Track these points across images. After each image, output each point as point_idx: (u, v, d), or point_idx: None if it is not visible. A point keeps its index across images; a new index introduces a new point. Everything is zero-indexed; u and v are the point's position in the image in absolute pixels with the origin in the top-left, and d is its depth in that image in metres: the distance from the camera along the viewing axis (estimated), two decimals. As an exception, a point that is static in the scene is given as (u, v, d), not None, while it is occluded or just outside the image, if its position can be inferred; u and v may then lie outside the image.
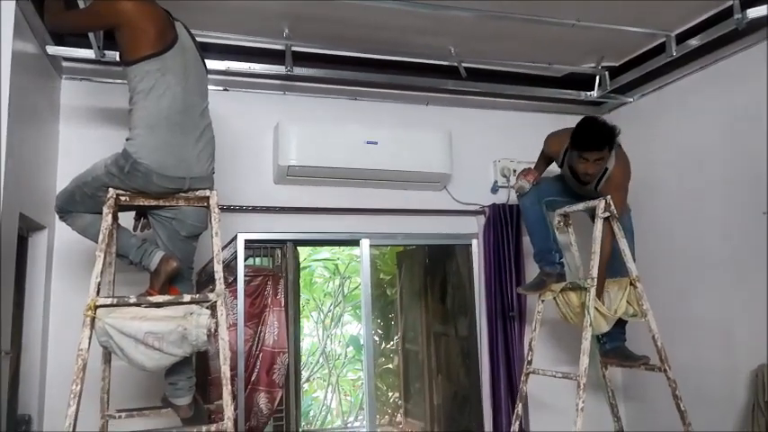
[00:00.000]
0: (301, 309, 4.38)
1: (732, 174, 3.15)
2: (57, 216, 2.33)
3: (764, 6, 2.75)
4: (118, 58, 2.20)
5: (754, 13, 2.78)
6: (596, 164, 2.80)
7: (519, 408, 3.11)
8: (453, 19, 3.04)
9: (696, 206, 3.36)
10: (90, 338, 1.93)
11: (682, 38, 3.27)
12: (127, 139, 2.08)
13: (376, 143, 3.45)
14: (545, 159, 3.24)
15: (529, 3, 2.91)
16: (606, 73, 3.71)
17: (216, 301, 2.05)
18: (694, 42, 3.18)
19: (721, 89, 3.24)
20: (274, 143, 3.41)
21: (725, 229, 3.17)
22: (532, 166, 3.23)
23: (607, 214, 2.85)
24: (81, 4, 2.44)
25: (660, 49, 3.40)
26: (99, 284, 2.00)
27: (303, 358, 4.90)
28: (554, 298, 2.99)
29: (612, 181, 2.88)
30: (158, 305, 2.03)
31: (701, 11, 3.13)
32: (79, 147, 3.02)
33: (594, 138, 2.76)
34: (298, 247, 3.65)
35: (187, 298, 2.07)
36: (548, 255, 3.04)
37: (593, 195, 2.95)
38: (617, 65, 3.72)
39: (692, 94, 3.43)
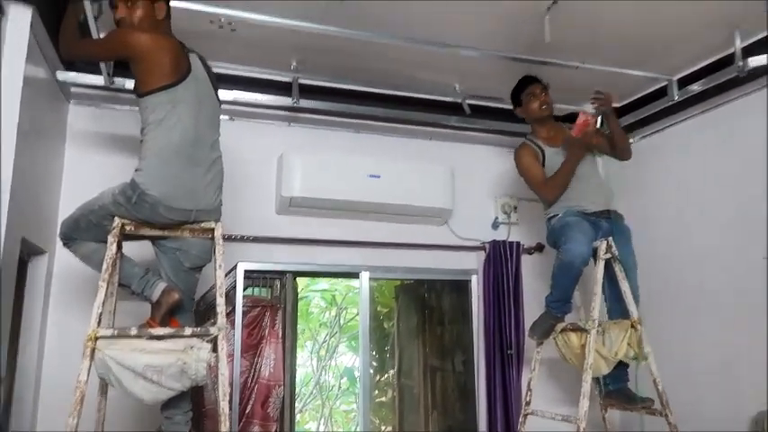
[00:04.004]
0: (297, 338, 4.34)
1: (732, 217, 3.16)
2: (59, 242, 2.32)
3: (765, 56, 2.82)
4: (132, 88, 2.21)
5: (755, 61, 2.85)
6: (545, 93, 3.08)
7: (517, 449, 3.06)
8: (459, 57, 3.09)
9: (697, 249, 3.36)
10: (89, 370, 1.91)
11: (683, 82, 3.34)
12: (136, 170, 2.09)
13: (379, 177, 3.46)
14: (539, 166, 3.09)
15: (534, 44, 2.96)
16: (608, 114, 3.76)
17: (217, 336, 2.03)
18: (696, 87, 3.25)
19: (722, 134, 3.27)
20: (278, 174, 3.42)
21: (726, 272, 3.18)
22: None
23: (609, 255, 2.86)
24: (94, 34, 2.48)
25: (662, 92, 3.46)
26: (101, 315, 1.98)
27: (297, 389, 4.83)
28: (554, 338, 2.97)
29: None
30: (159, 338, 2.01)
31: (703, 57, 3.20)
32: (84, 172, 3.03)
33: (528, 77, 3.14)
34: (297, 278, 3.63)
35: (188, 331, 2.05)
36: (568, 303, 2.94)
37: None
38: (618, 106, 3.77)
39: (693, 137, 3.47)
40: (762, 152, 3.01)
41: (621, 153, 3.14)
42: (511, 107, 3.71)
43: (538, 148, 3.08)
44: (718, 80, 3.12)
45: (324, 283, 6.14)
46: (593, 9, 2.77)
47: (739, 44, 2.94)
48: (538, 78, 3.13)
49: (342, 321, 6.34)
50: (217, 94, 2.34)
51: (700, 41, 3.05)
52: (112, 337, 1.97)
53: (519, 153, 3.15)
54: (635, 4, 2.72)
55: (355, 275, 3.63)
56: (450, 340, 4.33)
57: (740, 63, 2.91)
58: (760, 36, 2.94)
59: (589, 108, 2.94)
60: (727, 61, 3.06)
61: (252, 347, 3.30)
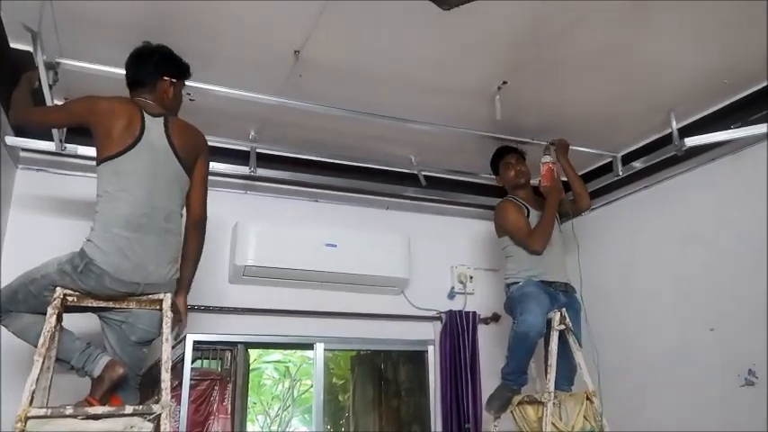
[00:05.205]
0: (247, 412, 4.16)
1: (679, 289, 3.25)
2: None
3: (701, 136, 2.99)
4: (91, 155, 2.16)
5: (692, 141, 3.01)
6: (521, 163, 3.20)
7: None
8: (415, 131, 3.18)
9: (646, 320, 3.42)
10: (16, 455, 1.76)
11: (628, 159, 3.51)
12: (86, 239, 2.02)
13: (335, 246, 3.45)
14: (525, 219, 3.11)
15: (487, 120, 3.08)
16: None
17: (160, 414, 1.92)
18: (638, 164, 3.41)
19: (665, 208, 3.41)
20: (232, 242, 3.37)
21: (675, 343, 3.22)
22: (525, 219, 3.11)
23: (563, 327, 2.88)
24: (48, 101, 2.44)
25: (608, 167, 3.62)
26: (33, 392, 1.86)
27: (246, 468, 4.58)
28: (511, 412, 2.93)
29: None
30: (96, 417, 1.88)
31: (645, 136, 3.39)
32: (26, 239, 2.90)
33: (504, 147, 3.27)
34: (249, 349, 3.52)
35: (129, 409, 1.93)
36: (524, 375, 2.92)
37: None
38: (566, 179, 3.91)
39: (638, 210, 3.61)
40: (704, 225, 3.15)
41: (579, 198, 3.23)
42: (465, 179, 3.85)
43: (522, 204, 3.15)
44: (658, 158, 3.29)
45: (277, 354, 5.96)
46: (540, 90, 2.93)
47: (675, 125, 3.13)
48: (513, 148, 3.25)
49: (295, 394, 6.13)
50: (181, 162, 2.21)
51: (640, 122, 3.23)
52: (45, 416, 1.84)
53: (504, 207, 3.17)
54: (577, 86, 2.89)
55: (310, 347, 3.54)
56: (407, 413, 4.23)
57: (677, 142, 3.09)
58: (695, 118, 3.15)
59: (548, 158, 3.15)
60: (668, 139, 3.24)
61: (199, 424, 3.15)
